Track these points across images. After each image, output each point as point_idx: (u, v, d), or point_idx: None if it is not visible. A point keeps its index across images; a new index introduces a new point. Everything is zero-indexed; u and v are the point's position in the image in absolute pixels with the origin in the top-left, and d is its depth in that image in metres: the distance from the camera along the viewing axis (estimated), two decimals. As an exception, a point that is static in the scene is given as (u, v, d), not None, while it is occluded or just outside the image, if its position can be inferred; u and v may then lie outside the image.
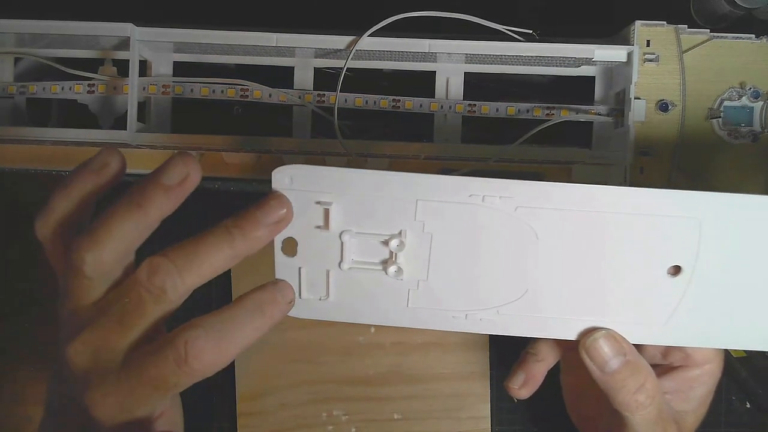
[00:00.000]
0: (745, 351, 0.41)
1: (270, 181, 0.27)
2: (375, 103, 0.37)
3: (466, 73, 0.37)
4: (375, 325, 0.43)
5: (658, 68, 0.35)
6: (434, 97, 0.37)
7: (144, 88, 0.36)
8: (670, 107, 0.35)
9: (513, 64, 0.36)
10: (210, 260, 0.25)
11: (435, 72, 0.38)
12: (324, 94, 0.37)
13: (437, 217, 0.27)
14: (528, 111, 0.36)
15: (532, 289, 0.29)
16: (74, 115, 0.38)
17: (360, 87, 0.37)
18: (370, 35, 0.35)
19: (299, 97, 0.36)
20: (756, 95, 0.35)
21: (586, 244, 0.28)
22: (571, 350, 0.30)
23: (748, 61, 0.35)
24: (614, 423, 0.32)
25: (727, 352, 0.41)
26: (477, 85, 0.38)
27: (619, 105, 0.36)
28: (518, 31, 0.35)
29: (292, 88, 0.37)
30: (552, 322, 0.29)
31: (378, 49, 0.35)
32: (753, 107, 0.36)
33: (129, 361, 0.25)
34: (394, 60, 0.37)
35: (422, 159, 0.36)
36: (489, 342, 0.44)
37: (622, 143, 0.35)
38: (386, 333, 0.43)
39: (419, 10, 0.35)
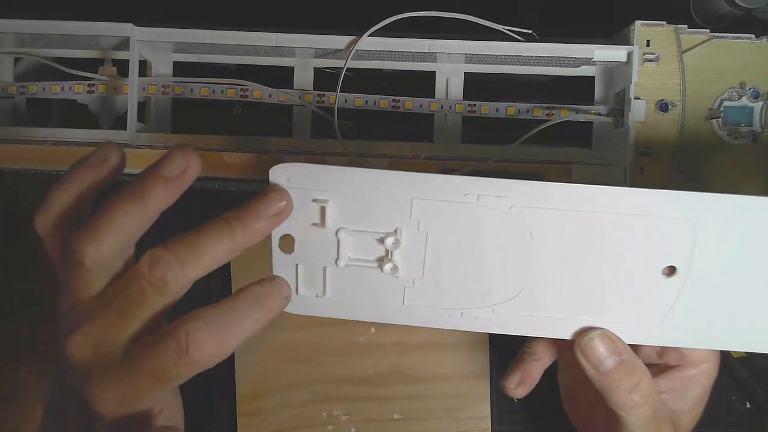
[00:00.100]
0: (745, 351, 0.41)
1: (268, 180, 0.27)
2: (375, 103, 0.37)
3: (466, 73, 0.38)
4: (375, 325, 0.43)
5: (658, 68, 0.35)
6: (434, 97, 0.38)
7: (144, 88, 0.37)
8: (670, 107, 0.35)
9: (513, 64, 0.37)
10: (210, 252, 0.25)
11: (435, 72, 0.38)
12: (324, 94, 0.37)
13: (432, 216, 0.28)
14: (528, 111, 0.36)
15: (528, 288, 0.29)
16: (74, 115, 0.39)
17: (360, 87, 0.37)
18: (370, 35, 0.35)
19: (299, 97, 0.37)
20: (756, 95, 0.36)
21: (581, 244, 0.28)
22: (567, 349, 0.31)
23: (748, 61, 0.36)
24: (610, 422, 0.32)
25: (727, 352, 0.41)
26: (477, 85, 0.38)
27: (619, 105, 0.37)
28: (518, 31, 0.36)
29: (292, 88, 0.38)
30: (547, 321, 0.30)
31: (378, 49, 0.35)
32: (753, 107, 0.36)
33: (130, 353, 0.25)
34: (394, 60, 0.37)
35: (422, 159, 0.36)
36: (489, 342, 0.44)
37: (622, 143, 0.35)
38: (386, 333, 0.44)
39: (419, 10, 0.35)
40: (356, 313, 0.30)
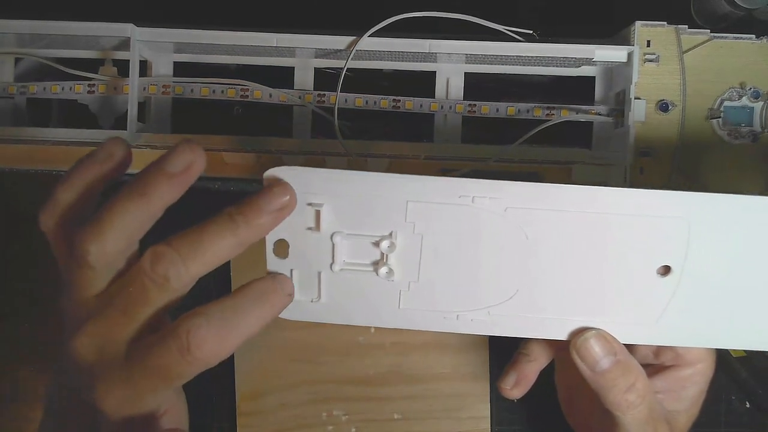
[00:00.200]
0: (745, 351, 0.41)
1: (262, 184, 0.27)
2: (375, 103, 0.37)
3: (466, 73, 0.38)
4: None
5: (658, 68, 0.36)
6: (434, 97, 0.38)
7: (144, 88, 0.37)
8: (670, 107, 0.36)
9: (513, 65, 0.37)
10: (214, 248, 0.25)
11: (435, 72, 0.38)
12: (324, 95, 0.37)
13: (427, 219, 0.28)
14: (528, 111, 0.37)
15: (523, 289, 0.29)
16: (74, 115, 0.39)
17: (360, 87, 0.37)
18: (370, 35, 0.35)
19: (299, 98, 0.37)
20: (756, 95, 0.36)
21: (577, 245, 0.28)
22: (564, 350, 0.31)
23: (748, 62, 0.36)
24: (606, 422, 0.32)
25: (726, 352, 0.41)
26: (477, 85, 0.38)
27: (619, 105, 0.37)
28: (518, 32, 0.36)
29: (292, 88, 0.38)
30: (543, 322, 0.30)
31: (378, 49, 0.35)
32: (753, 107, 0.36)
33: (133, 352, 0.25)
34: (394, 60, 0.38)
35: (422, 159, 0.36)
36: (489, 342, 0.44)
37: (622, 143, 0.36)
38: (386, 333, 0.44)
39: (419, 11, 0.35)
40: (352, 317, 0.30)
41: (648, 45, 0.36)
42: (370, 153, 0.36)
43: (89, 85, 0.37)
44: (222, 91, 0.37)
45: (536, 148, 0.36)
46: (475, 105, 0.37)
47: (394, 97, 0.37)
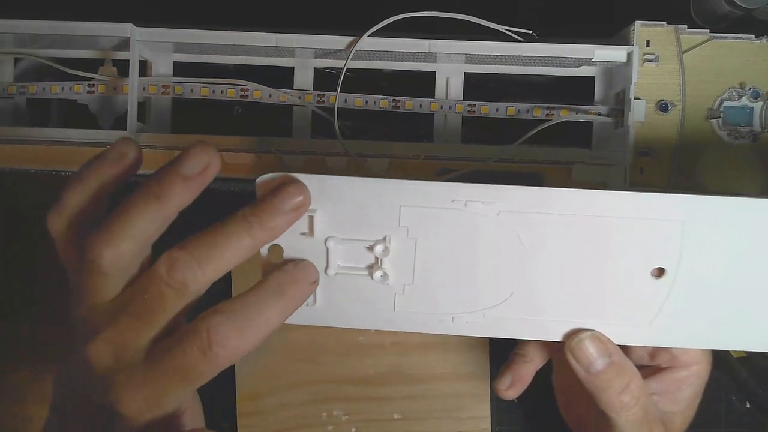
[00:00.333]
0: (745, 351, 0.41)
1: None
2: (375, 103, 0.37)
3: (466, 73, 0.38)
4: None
5: (658, 68, 0.36)
6: (434, 98, 0.38)
7: (144, 88, 0.37)
8: (670, 107, 0.36)
9: (513, 65, 0.37)
10: (229, 251, 0.25)
11: (435, 72, 0.39)
12: (324, 95, 0.37)
13: (421, 223, 0.29)
14: (528, 111, 0.37)
15: (518, 291, 0.30)
16: (74, 115, 0.39)
17: (360, 87, 0.37)
18: (370, 35, 0.35)
19: (299, 98, 0.37)
20: (756, 95, 0.36)
21: (569, 247, 0.29)
22: (560, 351, 0.31)
23: (748, 62, 0.36)
24: (602, 424, 0.33)
25: (727, 353, 0.42)
26: (477, 85, 0.38)
27: (619, 105, 0.37)
28: (518, 32, 0.36)
29: (292, 88, 0.38)
30: (538, 323, 0.31)
31: (378, 49, 0.36)
32: (753, 107, 0.36)
33: (152, 355, 0.25)
34: (394, 60, 0.38)
35: (422, 159, 0.36)
36: (489, 342, 0.44)
37: (622, 143, 0.36)
38: (386, 333, 0.44)
39: (419, 10, 0.35)
40: (348, 320, 0.31)
41: (647, 45, 0.36)
42: (370, 153, 0.37)
43: (89, 85, 0.37)
44: (222, 91, 0.37)
45: (536, 148, 0.36)
46: (474, 105, 0.37)
47: (394, 97, 0.38)
